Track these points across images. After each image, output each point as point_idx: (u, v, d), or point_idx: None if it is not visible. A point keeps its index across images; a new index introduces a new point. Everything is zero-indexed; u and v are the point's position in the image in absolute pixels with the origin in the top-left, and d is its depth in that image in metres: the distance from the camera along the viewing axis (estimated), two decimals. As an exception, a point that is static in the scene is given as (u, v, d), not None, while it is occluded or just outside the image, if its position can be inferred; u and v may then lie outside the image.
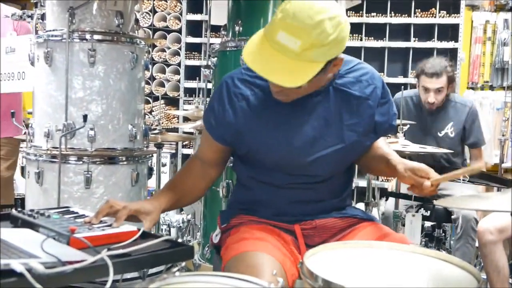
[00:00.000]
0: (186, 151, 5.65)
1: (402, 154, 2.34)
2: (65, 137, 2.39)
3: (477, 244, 3.08)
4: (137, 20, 2.66)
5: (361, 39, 5.43)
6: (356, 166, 1.94)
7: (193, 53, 5.76)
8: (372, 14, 5.44)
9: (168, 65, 5.75)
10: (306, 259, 1.33)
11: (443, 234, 3.31)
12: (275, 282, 1.22)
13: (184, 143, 5.63)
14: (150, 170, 2.70)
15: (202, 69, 3.26)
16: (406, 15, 5.39)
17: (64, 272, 1.04)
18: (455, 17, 5.32)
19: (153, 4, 5.69)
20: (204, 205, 3.01)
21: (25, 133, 2.58)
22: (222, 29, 2.89)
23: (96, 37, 2.43)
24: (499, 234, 2.86)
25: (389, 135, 2.94)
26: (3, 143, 3.32)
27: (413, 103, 3.64)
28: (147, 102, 5.64)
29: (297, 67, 1.45)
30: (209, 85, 3.17)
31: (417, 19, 5.38)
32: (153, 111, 5.68)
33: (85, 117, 2.35)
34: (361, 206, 3.36)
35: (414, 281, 1.30)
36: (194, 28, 5.77)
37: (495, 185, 2.87)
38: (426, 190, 1.53)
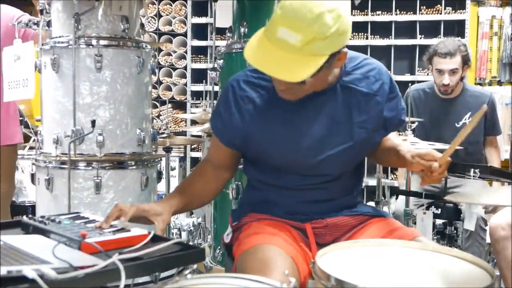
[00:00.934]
0: (195, 154, 5.66)
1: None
2: (74, 143, 2.40)
3: (488, 241, 3.05)
4: (142, 25, 2.66)
5: (366, 38, 5.41)
6: (366, 164, 1.94)
7: (199, 56, 5.78)
8: (378, 12, 5.41)
9: (175, 69, 5.76)
10: (318, 259, 1.32)
11: (455, 231, 3.28)
12: (287, 282, 1.22)
13: (192, 146, 5.64)
14: (159, 174, 2.72)
15: (208, 71, 3.26)
16: (412, 12, 5.36)
17: (76, 277, 1.04)
18: (461, 13, 5.29)
19: (158, 8, 5.71)
20: (214, 208, 3.01)
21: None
22: (227, 31, 2.89)
23: (102, 42, 2.44)
24: (512, 229, 2.84)
25: (399, 132, 2.91)
26: None
27: (427, 95, 3.50)
28: (155, 106, 5.65)
29: (300, 62, 1.44)
30: (216, 88, 3.17)
31: (423, 16, 5.36)
32: (161, 115, 5.69)
33: (93, 123, 2.36)
34: (371, 205, 3.34)
35: (427, 279, 1.29)
36: (200, 31, 5.78)
37: (506, 181, 2.84)
38: (436, 172, 1.54)
